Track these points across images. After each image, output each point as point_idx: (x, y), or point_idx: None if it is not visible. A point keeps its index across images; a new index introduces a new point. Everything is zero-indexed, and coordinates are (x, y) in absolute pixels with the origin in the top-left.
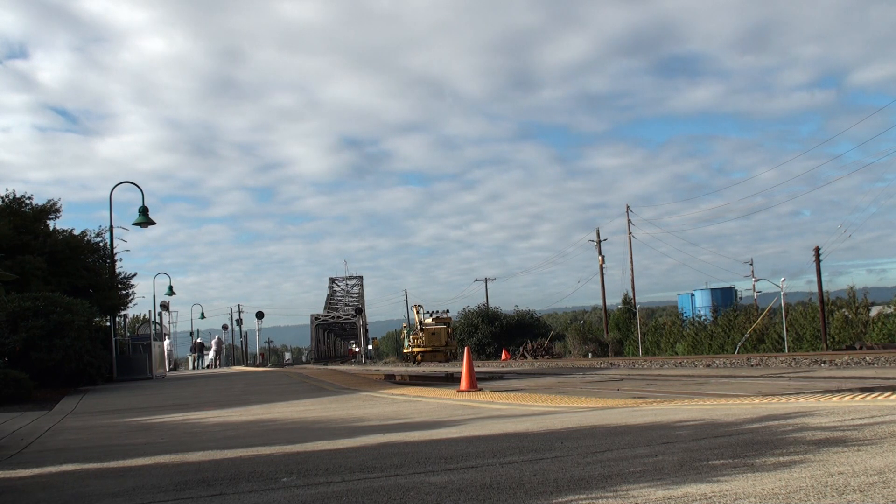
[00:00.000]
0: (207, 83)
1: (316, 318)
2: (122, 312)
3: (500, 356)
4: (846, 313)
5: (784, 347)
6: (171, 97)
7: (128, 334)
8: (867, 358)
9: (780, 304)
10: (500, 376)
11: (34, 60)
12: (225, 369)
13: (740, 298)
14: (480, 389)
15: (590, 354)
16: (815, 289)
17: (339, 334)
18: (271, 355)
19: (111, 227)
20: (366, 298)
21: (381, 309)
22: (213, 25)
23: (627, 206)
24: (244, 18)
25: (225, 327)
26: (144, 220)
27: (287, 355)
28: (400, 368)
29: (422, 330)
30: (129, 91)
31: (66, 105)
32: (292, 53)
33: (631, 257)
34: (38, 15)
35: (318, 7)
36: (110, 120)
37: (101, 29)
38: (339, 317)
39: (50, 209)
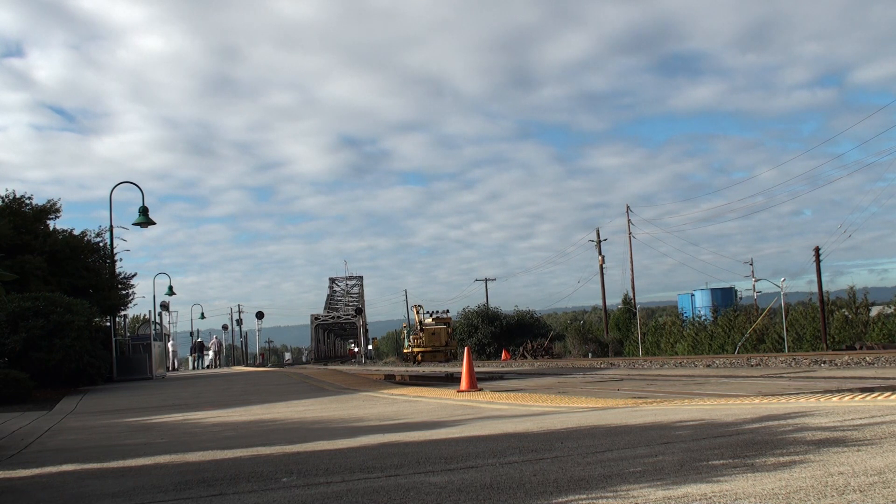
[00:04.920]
0: (205, 81)
1: (316, 319)
2: (123, 312)
3: (500, 356)
4: (846, 313)
5: (784, 347)
6: (169, 96)
7: (128, 334)
8: (867, 358)
9: (781, 304)
10: (500, 376)
11: (30, 59)
12: (225, 369)
13: (740, 298)
14: (480, 389)
15: (590, 354)
16: (815, 289)
17: (339, 334)
18: (271, 355)
19: (111, 227)
20: (366, 298)
21: (381, 309)
22: (209, 23)
23: (627, 206)
24: (241, 16)
25: (225, 327)
26: (144, 220)
27: (287, 355)
28: (400, 368)
29: (422, 330)
30: (126, 89)
31: (63, 104)
32: (290, 51)
33: (631, 257)
34: (33, 13)
35: (316, 4)
36: (107, 119)
37: (97, 27)
38: (339, 317)
39: (50, 209)
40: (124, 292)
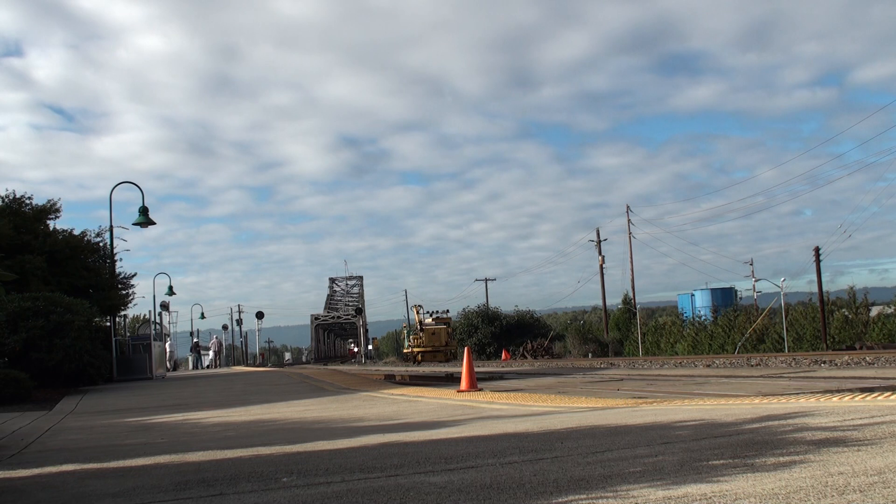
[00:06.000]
0: (204, 81)
1: (316, 318)
2: (123, 312)
3: (500, 356)
4: (846, 313)
5: (784, 347)
6: (168, 95)
7: (128, 334)
8: (867, 358)
9: (781, 304)
10: (500, 376)
11: (30, 58)
12: (225, 369)
13: (740, 298)
14: (480, 389)
15: (590, 354)
16: (815, 289)
17: (339, 334)
18: (271, 355)
19: (111, 227)
20: (366, 298)
21: (381, 309)
22: (209, 22)
23: (627, 206)
24: (240, 15)
25: (225, 327)
26: (144, 220)
27: (287, 355)
28: (400, 368)
29: (422, 330)
30: (125, 89)
31: (63, 103)
32: (289, 51)
33: (631, 257)
34: (32, 12)
35: (315, 4)
36: (107, 118)
37: (96, 26)
38: (339, 317)
39: (50, 209)
40: (124, 292)
